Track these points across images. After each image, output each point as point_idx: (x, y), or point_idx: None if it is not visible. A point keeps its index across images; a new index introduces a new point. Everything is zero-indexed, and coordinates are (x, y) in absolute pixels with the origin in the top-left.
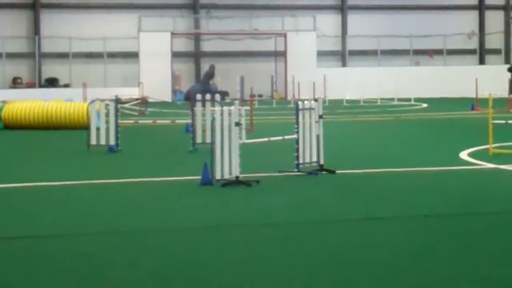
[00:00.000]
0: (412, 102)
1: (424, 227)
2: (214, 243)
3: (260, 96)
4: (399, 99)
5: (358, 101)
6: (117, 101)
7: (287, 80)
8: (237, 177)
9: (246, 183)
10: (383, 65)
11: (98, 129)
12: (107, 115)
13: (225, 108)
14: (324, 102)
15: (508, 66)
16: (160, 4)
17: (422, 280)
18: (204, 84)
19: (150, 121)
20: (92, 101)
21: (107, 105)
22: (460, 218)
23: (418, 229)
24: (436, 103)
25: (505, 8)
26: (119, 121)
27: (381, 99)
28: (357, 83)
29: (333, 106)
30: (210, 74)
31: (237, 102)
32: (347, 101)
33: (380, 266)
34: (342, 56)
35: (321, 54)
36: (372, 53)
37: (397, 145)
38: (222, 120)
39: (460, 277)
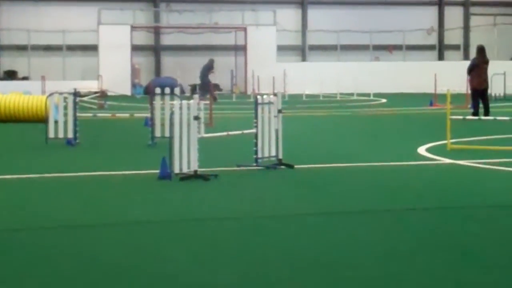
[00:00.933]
0: (371, 97)
1: (381, 222)
2: (171, 237)
3: (220, 90)
4: (359, 94)
5: (318, 96)
6: (76, 94)
7: (247, 75)
8: (195, 171)
9: (205, 177)
10: (343, 60)
11: (56, 122)
12: (65, 108)
13: (184, 102)
14: (283, 96)
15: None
16: None
17: (376, 274)
18: (203, 77)
19: (109, 114)
20: (51, 94)
21: (65, 98)
22: (415, 212)
23: (375, 223)
24: (395, 98)
25: (464, 4)
26: (78, 114)
27: (341, 94)
28: (316, 78)
29: (292, 101)
30: (209, 67)
31: (196, 96)
32: (307, 95)
33: (337, 261)
34: (302, 50)
35: (281, 48)
36: (332, 48)
37: (355, 140)
38: (181, 114)
39: (413, 272)
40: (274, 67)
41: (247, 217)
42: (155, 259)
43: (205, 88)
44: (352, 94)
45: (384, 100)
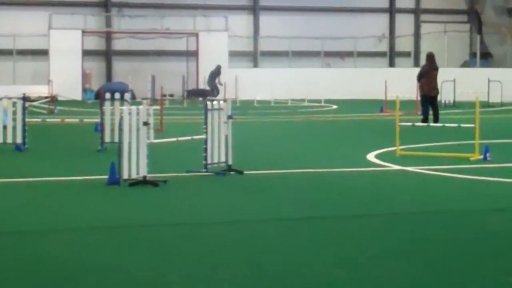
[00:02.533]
0: (323, 104)
1: (329, 228)
2: (118, 243)
3: (171, 95)
4: (310, 100)
5: (269, 101)
6: (25, 99)
7: (199, 80)
8: (144, 177)
9: (154, 183)
10: (294, 66)
11: (5, 127)
12: (14, 113)
13: (133, 107)
14: (235, 102)
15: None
16: (71, 1)
17: (323, 281)
18: (210, 82)
19: (59, 119)
20: (0, 99)
21: (14, 103)
22: (363, 219)
23: (323, 230)
24: (346, 104)
25: (415, 11)
26: (27, 119)
27: (292, 100)
28: (268, 84)
29: (244, 107)
30: (216, 73)
31: (145, 101)
32: (258, 101)
33: (283, 267)
34: (254, 56)
35: (232, 54)
36: (284, 54)
37: (306, 146)
38: (130, 120)
39: (359, 279)
40: (226, 73)
41: (194, 223)
42: (103, 265)
43: (214, 93)
44: (303, 100)
45: (335, 106)
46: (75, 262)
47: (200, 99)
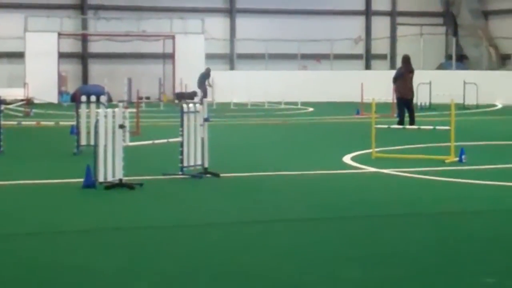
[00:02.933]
0: (299, 106)
1: (304, 230)
2: (94, 246)
3: (148, 98)
4: (286, 103)
5: (246, 104)
6: (0, 102)
7: (175, 83)
8: (120, 179)
9: (130, 186)
10: (271, 68)
11: None
12: None
13: (109, 110)
14: (211, 105)
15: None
16: (47, 4)
17: (298, 283)
18: (200, 85)
19: (34, 122)
20: None
21: None
22: (338, 221)
23: (297, 232)
24: (323, 107)
25: (391, 14)
26: (2, 122)
27: (269, 102)
28: (245, 87)
29: (220, 109)
30: (206, 75)
31: (121, 104)
32: (235, 104)
33: (258, 270)
34: (230, 59)
35: (209, 57)
36: (260, 56)
37: (282, 148)
38: (106, 122)
39: (335, 280)
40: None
41: (171, 226)
42: (79, 268)
43: (205, 95)
44: (280, 103)
45: (311, 109)
46: (51, 265)
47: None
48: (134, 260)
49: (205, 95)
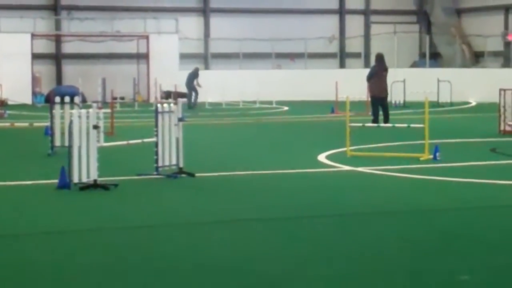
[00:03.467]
0: (274, 105)
1: (280, 229)
2: (68, 247)
3: (122, 98)
4: (261, 102)
5: (221, 104)
6: None
7: (150, 83)
8: (95, 180)
9: (104, 187)
10: (245, 68)
11: None
12: None
13: (83, 111)
14: (186, 104)
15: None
16: (20, 5)
17: (275, 280)
18: (189, 84)
19: (8, 124)
20: None
21: None
22: (313, 220)
23: (273, 231)
24: (297, 106)
25: (364, 12)
26: None
27: (243, 102)
28: (219, 86)
29: (195, 109)
30: (195, 75)
31: (95, 104)
32: (210, 103)
33: (233, 268)
34: (205, 58)
35: (183, 56)
36: (235, 56)
37: (257, 148)
38: (80, 123)
39: (309, 278)
40: (177, 75)
41: (144, 227)
42: (53, 269)
43: (191, 94)
44: (254, 102)
45: (286, 108)
46: (24, 267)
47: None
48: (109, 260)
49: (194, 94)
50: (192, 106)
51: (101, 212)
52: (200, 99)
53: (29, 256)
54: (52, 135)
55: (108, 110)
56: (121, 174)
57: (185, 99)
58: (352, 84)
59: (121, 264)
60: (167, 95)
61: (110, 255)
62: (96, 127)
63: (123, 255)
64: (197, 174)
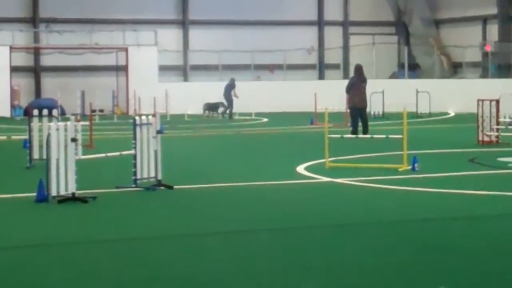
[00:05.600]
0: (253, 117)
1: (258, 241)
2: (46, 261)
3: (101, 111)
4: (240, 114)
5: (200, 115)
6: None
7: (129, 95)
8: (73, 193)
9: (83, 200)
10: (225, 79)
11: None
12: None
13: (60, 123)
14: (165, 117)
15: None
16: None
17: None
18: (227, 95)
19: None
20: None
21: None
22: (292, 231)
23: (251, 243)
24: (277, 117)
25: (343, 24)
26: None
27: (223, 113)
28: (199, 98)
29: (174, 121)
30: (231, 86)
31: (73, 117)
32: (189, 115)
33: (211, 281)
34: (184, 71)
35: (162, 68)
36: (214, 67)
37: (236, 159)
38: (58, 136)
39: None
40: (156, 87)
41: (122, 239)
42: (31, 283)
43: (230, 105)
44: (234, 114)
45: (265, 120)
46: (2, 280)
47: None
48: (86, 273)
49: (230, 105)
50: (229, 116)
51: (79, 225)
52: (180, 111)
53: (7, 269)
54: (30, 148)
55: (87, 123)
56: (100, 187)
57: (223, 109)
58: (331, 95)
59: (98, 277)
60: (209, 107)
61: (88, 269)
62: (74, 140)
63: (100, 268)
64: (175, 187)
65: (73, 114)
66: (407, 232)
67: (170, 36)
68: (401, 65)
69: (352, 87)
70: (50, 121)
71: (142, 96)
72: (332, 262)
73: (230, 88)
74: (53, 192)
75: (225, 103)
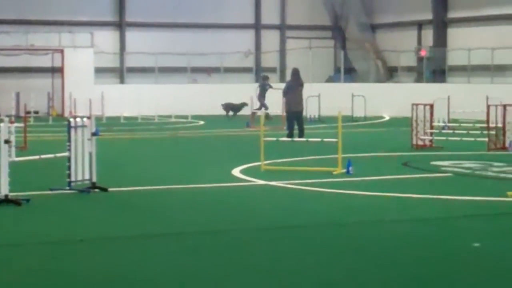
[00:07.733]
0: (190, 119)
1: (193, 244)
2: None
3: (36, 112)
4: (177, 116)
5: (136, 118)
6: None
7: (64, 97)
8: (6, 195)
9: (16, 202)
10: (161, 82)
11: None
12: None
13: None
14: (101, 119)
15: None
16: None
17: None
18: (261, 96)
19: None
20: None
21: None
22: (227, 234)
23: (188, 245)
24: (213, 120)
25: (280, 27)
26: None
27: (159, 116)
28: (135, 100)
29: (110, 123)
30: (264, 86)
31: (6, 118)
32: (125, 118)
33: (146, 283)
34: (120, 73)
35: (99, 70)
36: (150, 70)
37: (172, 162)
38: None
39: None
40: (92, 89)
41: (58, 241)
42: None
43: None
44: (170, 116)
45: (202, 122)
46: None
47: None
48: (18, 277)
49: (262, 106)
50: (268, 117)
51: (12, 227)
52: (116, 113)
53: None
54: None
55: (21, 124)
56: (33, 189)
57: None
58: (268, 98)
59: (30, 281)
60: (228, 107)
61: (19, 272)
62: (7, 141)
63: (33, 271)
64: (110, 189)
65: (7, 116)
66: (341, 234)
67: (107, 38)
68: (337, 69)
69: (289, 91)
70: None
71: (78, 98)
72: (263, 264)
73: (264, 89)
74: None
75: (253, 104)
